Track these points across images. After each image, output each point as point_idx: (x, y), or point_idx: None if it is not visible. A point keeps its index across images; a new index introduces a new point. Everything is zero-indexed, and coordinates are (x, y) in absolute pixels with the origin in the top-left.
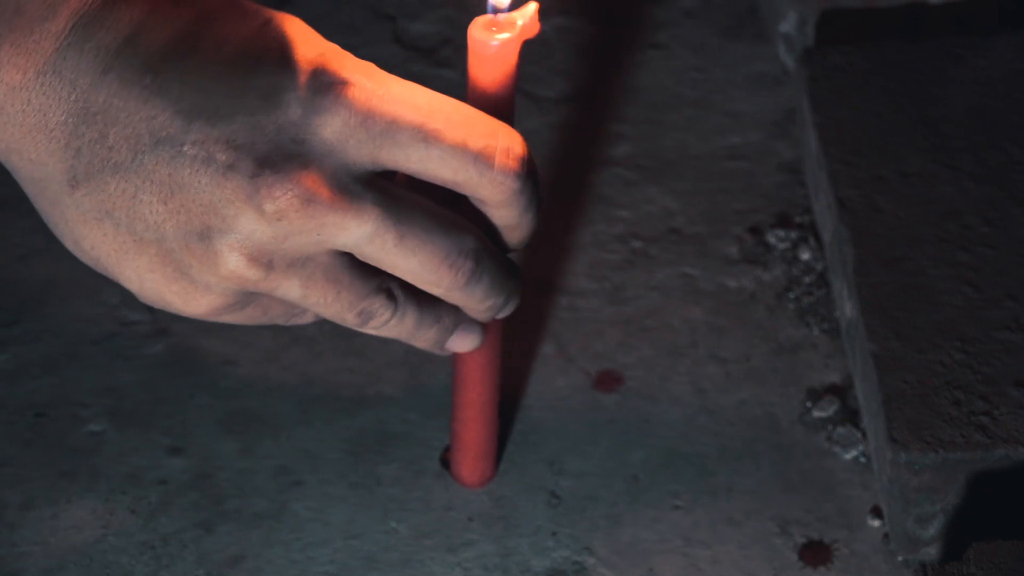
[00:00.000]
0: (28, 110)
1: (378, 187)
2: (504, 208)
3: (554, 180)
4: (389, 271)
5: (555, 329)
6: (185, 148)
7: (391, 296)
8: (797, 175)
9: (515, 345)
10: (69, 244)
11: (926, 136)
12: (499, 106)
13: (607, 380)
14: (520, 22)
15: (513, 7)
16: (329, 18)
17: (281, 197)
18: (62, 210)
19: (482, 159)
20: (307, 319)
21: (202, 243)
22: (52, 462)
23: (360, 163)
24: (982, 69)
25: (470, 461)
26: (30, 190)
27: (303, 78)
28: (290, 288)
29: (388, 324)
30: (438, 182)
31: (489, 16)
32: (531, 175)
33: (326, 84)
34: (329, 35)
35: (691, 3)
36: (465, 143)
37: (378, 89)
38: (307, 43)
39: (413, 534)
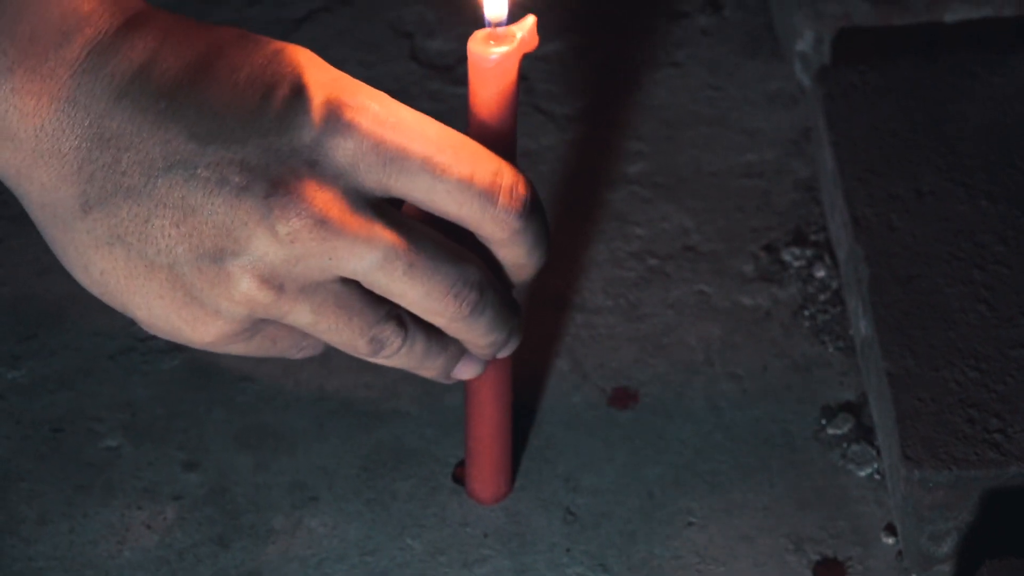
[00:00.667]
0: (41, 135)
1: (388, 214)
2: (507, 247)
3: (570, 197)
4: (396, 299)
5: (571, 346)
6: (199, 171)
7: (401, 323)
8: (813, 193)
9: (531, 361)
10: (77, 271)
11: (942, 154)
12: (501, 119)
13: (622, 397)
14: (519, 35)
15: (511, 21)
16: (348, 35)
17: (295, 219)
18: (72, 235)
19: (486, 196)
20: (316, 351)
21: (214, 265)
22: (68, 477)
23: (371, 188)
24: (998, 87)
25: (485, 478)
26: (38, 216)
27: (316, 102)
28: (301, 313)
29: (399, 352)
30: (442, 215)
31: (488, 30)
32: (535, 215)
33: (339, 108)
34: (348, 52)
35: (708, 22)
36: (471, 179)
37: (390, 117)
38: (320, 70)
39: (428, 550)
